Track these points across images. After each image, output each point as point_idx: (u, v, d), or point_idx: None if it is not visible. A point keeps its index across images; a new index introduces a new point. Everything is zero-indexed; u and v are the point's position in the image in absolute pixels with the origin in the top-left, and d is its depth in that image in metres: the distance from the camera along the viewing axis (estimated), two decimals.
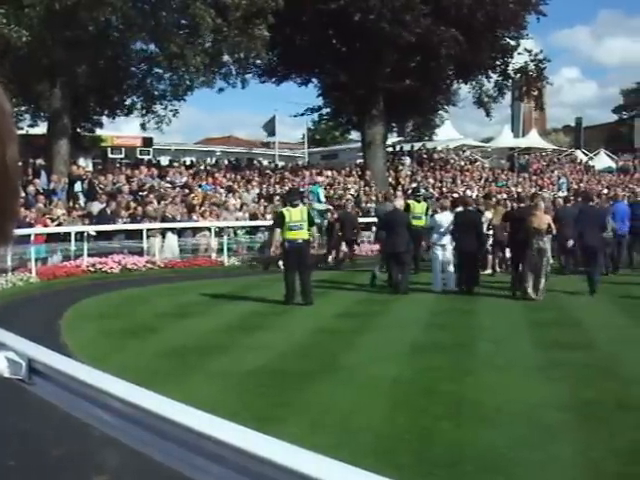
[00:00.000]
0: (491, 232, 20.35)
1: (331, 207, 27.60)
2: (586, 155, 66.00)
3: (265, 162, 46.15)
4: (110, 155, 36.94)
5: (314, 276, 17.05)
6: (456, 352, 10.78)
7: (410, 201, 22.41)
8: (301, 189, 29.07)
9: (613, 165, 63.23)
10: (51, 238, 21.56)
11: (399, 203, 20.29)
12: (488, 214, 20.42)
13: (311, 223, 16.43)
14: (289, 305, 15.82)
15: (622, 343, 11.47)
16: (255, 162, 43.94)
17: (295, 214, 16.04)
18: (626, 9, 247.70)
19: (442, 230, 17.98)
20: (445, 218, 18.20)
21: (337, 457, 2.17)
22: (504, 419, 7.39)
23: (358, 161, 43.49)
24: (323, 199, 29.26)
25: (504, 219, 18.60)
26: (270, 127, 45.67)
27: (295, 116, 44.42)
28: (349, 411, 7.71)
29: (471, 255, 17.64)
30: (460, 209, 18.82)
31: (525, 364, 9.96)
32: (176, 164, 36.39)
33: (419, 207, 20.75)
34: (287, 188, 30.18)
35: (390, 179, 39.06)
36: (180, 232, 24.73)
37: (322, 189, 32.22)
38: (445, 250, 18.00)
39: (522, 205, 18.62)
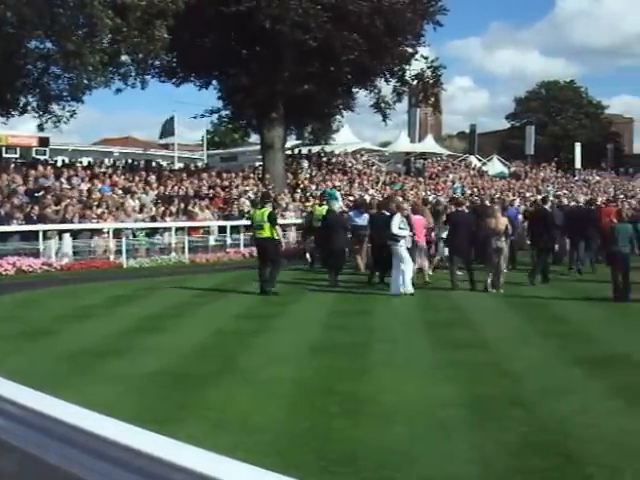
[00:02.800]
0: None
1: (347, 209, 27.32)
2: (480, 161, 67.56)
3: (164, 164, 45.70)
4: (4, 155, 35.97)
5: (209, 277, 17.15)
6: (354, 352, 10.92)
7: (315, 205, 22.87)
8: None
9: (505, 171, 64.82)
10: None
11: (337, 206, 21.94)
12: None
13: (273, 223, 17.97)
14: (263, 295, 17.63)
15: (514, 342, 11.86)
16: (154, 163, 43.45)
17: (258, 215, 18.24)
18: (515, 22, 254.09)
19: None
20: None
21: (237, 457, 2.24)
22: (401, 417, 7.54)
23: (257, 164, 43.49)
24: (340, 202, 29.04)
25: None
26: (169, 128, 45.25)
27: (195, 117, 44.14)
28: (249, 411, 7.75)
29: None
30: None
31: (421, 363, 10.15)
32: (79, 165, 35.70)
33: (259, 215, 20.86)
34: (187, 189, 30.35)
35: (289, 182, 39.20)
36: (77, 234, 24.34)
37: (339, 193, 33.53)
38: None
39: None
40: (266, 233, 17.92)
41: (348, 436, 6.91)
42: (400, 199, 23.31)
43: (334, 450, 6.54)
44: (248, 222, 23.21)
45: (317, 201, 30.32)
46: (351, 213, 23.17)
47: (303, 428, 7.17)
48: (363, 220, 22.17)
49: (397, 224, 17.61)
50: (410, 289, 17.69)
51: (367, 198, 30.45)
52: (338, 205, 25.75)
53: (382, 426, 7.23)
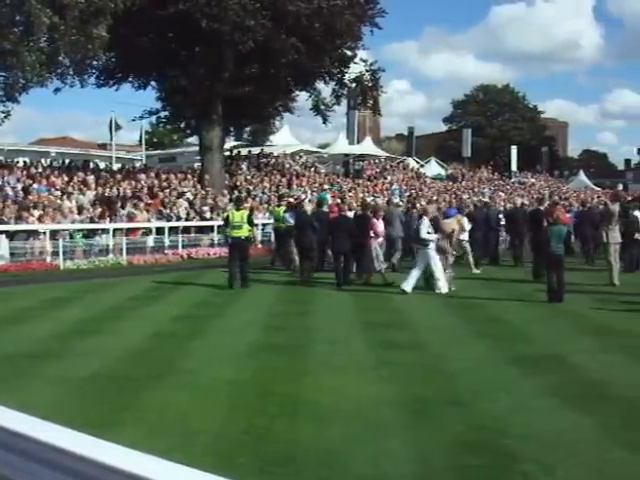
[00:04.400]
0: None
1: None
2: (418, 163, 68.16)
3: (102, 164, 45.26)
4: None
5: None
6: (293, 353, 10.97)
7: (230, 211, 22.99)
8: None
9: (443, 172, 65.47)
10: None
11: (309, 208, 22.29)
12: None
13: (250, 224, 20.07)
14: (230, 290, 18.83)
15: (449, 342, 12.00)
16: (91, 164, 43.01)
17: (236, 216, 19.76)
18: (450, 26, 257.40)
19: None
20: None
21: (175, 459, 2.24)
22: (339, 417, 7.60)
23: (196, 165, 43.33)
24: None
25: None
26: (112, 128, 44.93)
27: (134, 120, 43.75)
28: (187, 414, 7.75)
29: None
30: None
31: (359, 364, 10.22)
32: (15, 165, 35.19)
33: (237, 216, 21.00)
34: (125, 190, 30.12)
35: (227, 183, 39.10)
36: (13, 235, 24.00)
37: (329, 195, 34.53)
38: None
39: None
40: (244, 233, 19.63)
41: (287, 437, 6.96)
42: (424, 203, 24.73)
43: (273, 451, 6.58)
44: (222, 222, 23.64)
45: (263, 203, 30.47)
46: (286, 214, 23.44)
47: (242, 429, 7.18)
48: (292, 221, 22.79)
49: (425, 229, 18.12)
50: (445, 289, 18.15)
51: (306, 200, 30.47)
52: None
53: (320, 427, 7.28)
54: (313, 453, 6.52)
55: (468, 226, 22.75)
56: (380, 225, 20.14)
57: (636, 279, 19.90)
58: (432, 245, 18.19)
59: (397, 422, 7.47)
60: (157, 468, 2.19)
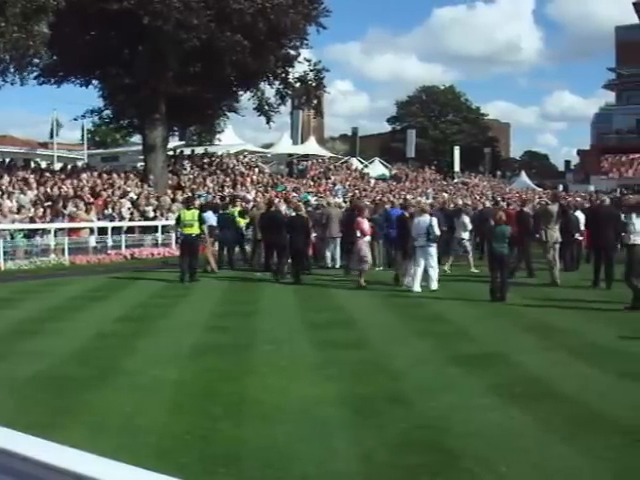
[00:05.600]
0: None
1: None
2: (362, 163, 68.36)
3: (43, 163, 44.67)
4: None
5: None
6: (237, 353, 10.96)
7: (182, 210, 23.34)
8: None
9: (387, 173, 65.77)
10: None
11: (283, 207, 23.06)
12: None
13: (201, 222, 21.08)
14: (181, 283, 20.07)
15: (393, 341, 12.08)
16: (32, 163, 42.43)
17: (188, 215, 21.06)
18: (393, 28, 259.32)
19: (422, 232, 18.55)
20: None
21: (119, 459, 2.25)
22: (283, 416, 7.61)
23: (139, 164, 42.99)
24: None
25: None
26: (54, 127, 44.42)
27: (75, 119, 43.20)
28: (131, 414, 7.70)
29: None
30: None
31: (303, 363, 10.25)
32: None
33: (188, 215, 21.34)
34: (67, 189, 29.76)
35: (171, 182, 38.85)
36: None
37: (311, 196, 36.75)
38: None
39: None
40: (194, 230, 20.85)
41: (231, 437, 6.96)
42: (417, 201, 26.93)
43: (217, 451, 6.57)
44: (175, 221, 24.64)
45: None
46: (205, 214, 23.49)
47: (186, 430, 7.16)
48: (214, 220, 23.88)
49: (436, 226, 18.58)
50: (435, 285, 18.58)
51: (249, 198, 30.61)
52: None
53: (265, 426, 7.29)
54: (257, 453, 6.53)
55: (470, 226, 23.55)
56: (366, 224, 20.12)
57: (576, 278, 20.18)
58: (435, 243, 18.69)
59: (341, 421, 7.50)
60: (100, 467, 2.17)
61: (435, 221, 18.75)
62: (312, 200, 33.89)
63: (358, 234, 19.41)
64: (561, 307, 15.89)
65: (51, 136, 45.57)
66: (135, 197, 32.55)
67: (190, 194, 34.59)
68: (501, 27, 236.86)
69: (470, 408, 7.96)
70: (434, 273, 18.67)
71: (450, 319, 14.32)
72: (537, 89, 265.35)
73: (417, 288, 18.35)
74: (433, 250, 18.62)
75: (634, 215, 15.86)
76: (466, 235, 23.26)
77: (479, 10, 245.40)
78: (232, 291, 19.30)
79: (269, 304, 16.72)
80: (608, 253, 18.86)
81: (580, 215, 22.93)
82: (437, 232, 18.61)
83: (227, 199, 32.39)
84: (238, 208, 22.81)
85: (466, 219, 23.40)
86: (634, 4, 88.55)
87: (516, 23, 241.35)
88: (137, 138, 46.63)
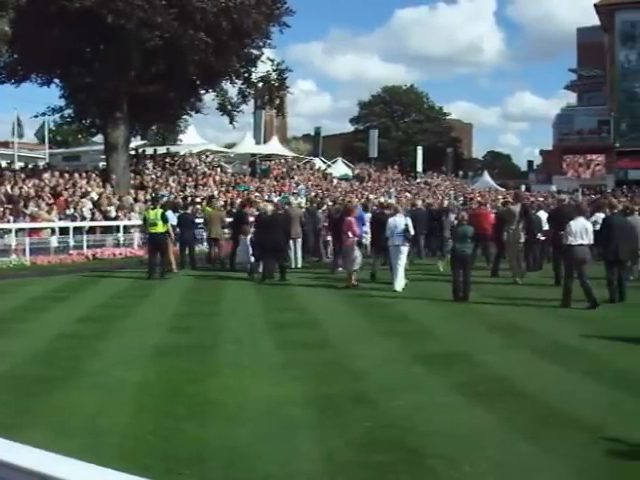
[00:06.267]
0: None
1: None
2: (324, 163, 68.40)
3: (3, 163, 44.18)
4: None
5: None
6: (200, 354, 10.92)
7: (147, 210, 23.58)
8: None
9: (350, 173, 65.88)
10: None
11: (270, 208, 22.65)
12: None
13: (165, 221, 21.87)
14: (148, 280, 20.86)
15: (357, 341, 12.10)
16: None
17: (152, 214, 22.07)
18: (354, 28, 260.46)
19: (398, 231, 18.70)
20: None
21: (83, 460, 2.23)
22: (247, 417, 7.60)
23: (101, 164, 42.67)
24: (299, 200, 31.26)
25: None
26: (15, 126, 43.92)
27: (36, 116, 42.74)
28: (94, 415, 7.65)
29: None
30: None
31: (268, 363, 10.23)
32: None
33: (152, 214, 22.10)
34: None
35: (133, 182, 38.60)
36: None
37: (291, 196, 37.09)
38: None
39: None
40: (159, 229, 21.78)
41: (194, 437, 6.93)
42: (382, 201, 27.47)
43: (181, 452, 6.55)
44: (142, 221, 25.23)
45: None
46: (167, 213, 23.68)
47: (149, 431, 7.13)
48: (174, 220, 24.06)
49: (411, 226, 19.00)
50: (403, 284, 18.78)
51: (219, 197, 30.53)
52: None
53: (228, 427, 7.28)
54: (221, 453, 6.52)
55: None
56: (355, 224, 20.20)
57: (539, 278, 20.32)
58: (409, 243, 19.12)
59: (305, 421, 7.50)
60: (62, 467, 2.14)
61: (410, 221, 19.04)
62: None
63: (349, 235, 19.42)
64: (524, 306, 16.02)
65: (13, 135, 45.01)
66: (96, 197, 32.29)
67: (153, 194, 34.46)
68: (462, 28, 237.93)
69: (434, 407, 7.99)
70: (402, 271, 18.86)
71: (414, 319, 14.37)
72: (499, 90, 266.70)
73: (399, 287, 18.59)
74: (406, 249, 18.94)
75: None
76: (447, 234, 23.21)
77: (440, 11, 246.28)
78: (195, 291, 19.23)
79: (232, 304, 16.69)
80: None
81: (543, 215, 23.05)
82: (412, 232, 19.00)
83: (189, 199, 32.48)
84: (161, 210, 22.22)
85: (453, 218, 23.45)
86: (595, 6, 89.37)
87: (477, 24, 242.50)
88: (99, 138, 46.22)
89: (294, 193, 43.90)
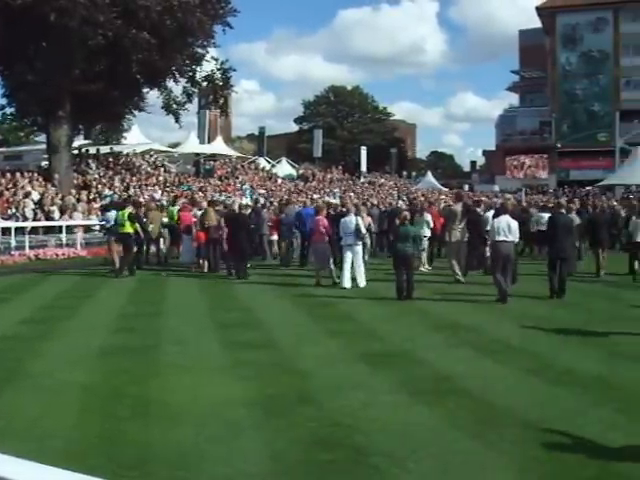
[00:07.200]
0: None
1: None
2: (269, 163, 68.41)
3: None
4: None
5: None
6: (144, 355, 10.87)
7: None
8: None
9: (294, 173, 65.95)
10: None
11: (237, 205, 23.84)
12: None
13: (132, 221, 22.65)
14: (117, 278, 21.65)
15: (301, 341, 12.11)
16: None
17: (121, 215, 22.84)
18: (298, 28, 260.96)
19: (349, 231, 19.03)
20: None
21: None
22: (192, 418, 7.60)
23: (43, 163, 42.18)
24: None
25: None
26: None
27: None
28: (37, 418, 7.59)
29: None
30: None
31: (212, 364, 10.23)
32: None
33: (121, 214, 22.87)
34: None
35: (76, 182, 38.21)
36: None
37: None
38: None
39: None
40: (127, 229, 22.57)
41: (139, 439, 6.92)
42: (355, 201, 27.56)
43: (125, 453, 6.53)
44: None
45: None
46: (108, 213, 24.82)
47: (93, 432, 7.11)
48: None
49: (362, 225, 19.44)
50: (347, 284, 19.03)
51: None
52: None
53: (173, 428, 7.26)
54: (166, 454, 6.52)
55: (432, 224, 23.94)
56: (326, 222, 20.41)
57: (481, 277, 20.51)
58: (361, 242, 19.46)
59: (251, 421, 7.52)
60: (17, 469, 2.16)
61: (361, 220, 19.45)
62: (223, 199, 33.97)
63: (322, 230, 19.75)
64: (466, 304, 16.22)
65: None
66: (39, 197, 31.91)
67: (96, 194, 34.19)
68: (405, 29, 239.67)
69: (378, 406, 8.06)
70: (355, 273, 19.16)
71: (359, 318, 14.46)
72: (442, 90, 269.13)
73: (347, 284, 18.89)
74: (359, 248, 19.22)
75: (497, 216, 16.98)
76: (428, 233, 23.37)
77: (383, 12, 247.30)
78: (139, 291, 19.13)
79: (177, 304, 16.65)
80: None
81: (491, 214, 23.34)
82: (364, 231, 19.42)
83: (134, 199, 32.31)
84: (129, 210, 22.82)
85: (428, 217, 23.55)
86: (537, 8, 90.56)
87: (420, 25, 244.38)
88: (42, 137, 45.67)
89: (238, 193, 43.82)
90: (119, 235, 22.88)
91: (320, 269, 19.96)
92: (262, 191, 48.02)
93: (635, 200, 32.17)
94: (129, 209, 23.36)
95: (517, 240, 16.81)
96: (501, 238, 16.32)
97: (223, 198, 36.30)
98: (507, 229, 16.28)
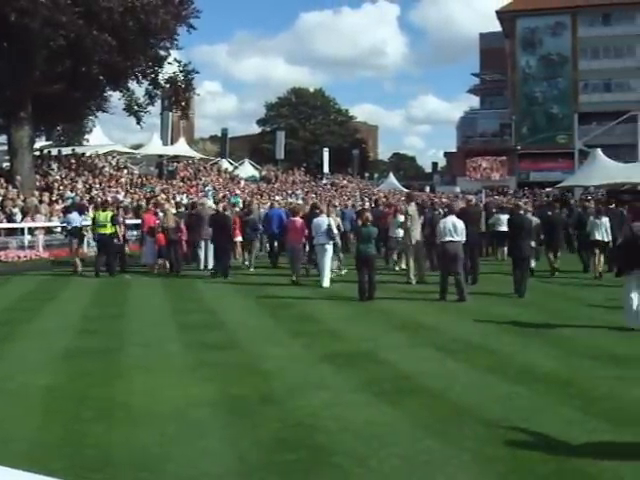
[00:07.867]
0: None
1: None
2: (232, 164, 68.29)
3: None
4: None
5: None
6: (107, 357, 10.85)
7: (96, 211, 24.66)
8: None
9: (257, 174, 65.93)
10: None
11: (223, 207, 24.46)
12: None
13: (113, 223, 22.99)
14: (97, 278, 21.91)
15: (264, 341, 12.16)
16: None
17: (102, 216, 23.21)
18: (259, 31, 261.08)
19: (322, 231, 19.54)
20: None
21: None
22: (154, 419, 7.63)
23: (5, 164, 41.81)
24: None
25: None
26: None
27: None
28: (0, 421, 7.61)
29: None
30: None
31: (175, 365, 10.26)
32: None
33: (102, 216, 23.19)
34: None
35: (38, 183, 37.91)
36: None
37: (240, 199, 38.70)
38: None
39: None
40: (108, 230, 22.93)
41: (102, 441, 6.93)
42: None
43: (89, 455, 6.54)
44: (91, 222, 25.58)
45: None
46: (71, 215, 24.82)
47: (57, 435, 7.11)
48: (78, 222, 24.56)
49: (334, 225, 20.01)
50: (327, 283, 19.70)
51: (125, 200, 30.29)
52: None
53: (136, 429, 7.29)
54: (129, 456, 6.54)
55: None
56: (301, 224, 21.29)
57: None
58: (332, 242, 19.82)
59: (214, 422, 7.57)
60: None
61: (332, 221, 19.95)
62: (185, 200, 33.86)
63: (299, 231, 20.77)
64: (427, 304, 16.39)
65: None
66: (0, 199, 31.63)
67: (58, 196, 33.97)
68: (366, 32, 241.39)
69: (341, 405, 8.14)
70: (328, 270, 19.81)
71: (321, 319, 14.53)
72: (402, 93, 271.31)
73: (326, 284, 19.44)
74: (330, 248, 19.62)
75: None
76: (401, 233, 23.36)
77: (345, 15, 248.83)
78: (102, 293, 19.05)
79: (140, 305, 16.61)
80: (473, 250, 19.48)
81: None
82: (335, 231, 19.77)
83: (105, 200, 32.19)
84: (111, 212, 22.94)
85: (401, 218, 23.66)
86: (497, 12, 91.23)
87: (381, 28, 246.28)
88: (2, 138, 45.26)
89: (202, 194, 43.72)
90: (99, 235, 23.27)
91: (297, 269, 20.56)
92: (226, 193, 47.93)
93: (593, 201, 32.48)
94: (110, 211, 23.68)
95: (464, 240, 17.14)
96: (447, 238, 16.75)
97: (197, 199, 36.12)
98: (453, 229, 16.81)
